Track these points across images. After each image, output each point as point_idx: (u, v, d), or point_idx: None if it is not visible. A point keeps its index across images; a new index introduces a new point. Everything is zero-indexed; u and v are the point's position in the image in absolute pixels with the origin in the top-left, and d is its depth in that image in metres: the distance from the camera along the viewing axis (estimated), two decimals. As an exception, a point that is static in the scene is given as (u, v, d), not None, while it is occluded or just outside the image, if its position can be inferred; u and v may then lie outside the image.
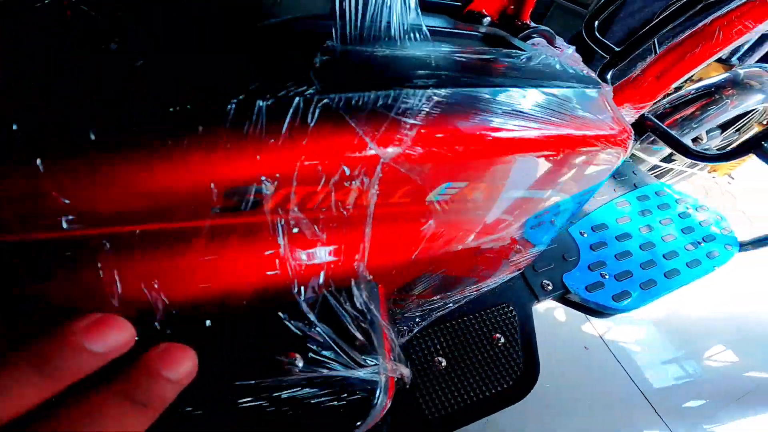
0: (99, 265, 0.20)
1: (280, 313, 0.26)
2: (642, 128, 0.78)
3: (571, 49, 0.39)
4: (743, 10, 0.51)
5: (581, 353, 1.03)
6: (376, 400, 0.27)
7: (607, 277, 0.60)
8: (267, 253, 0.24)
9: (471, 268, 0.41)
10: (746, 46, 1.13)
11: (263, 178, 0.21)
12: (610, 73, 0.61)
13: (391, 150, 0.22)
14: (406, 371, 0.31)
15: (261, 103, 0.20)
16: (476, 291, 0.44)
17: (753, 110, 1.05)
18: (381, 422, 0.30)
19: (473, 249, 0.37)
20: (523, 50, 0.33)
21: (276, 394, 0.25)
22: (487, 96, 0.26)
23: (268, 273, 0.25)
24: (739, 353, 1.13)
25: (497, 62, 0.31)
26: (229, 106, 0.20)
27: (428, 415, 0.45)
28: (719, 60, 1.09)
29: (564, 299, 0.58)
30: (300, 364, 0.25)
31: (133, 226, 0.20)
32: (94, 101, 0.19)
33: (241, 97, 0.20)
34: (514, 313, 0.51)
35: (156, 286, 0.22)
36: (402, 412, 0.44)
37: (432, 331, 0.49)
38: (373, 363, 0.27)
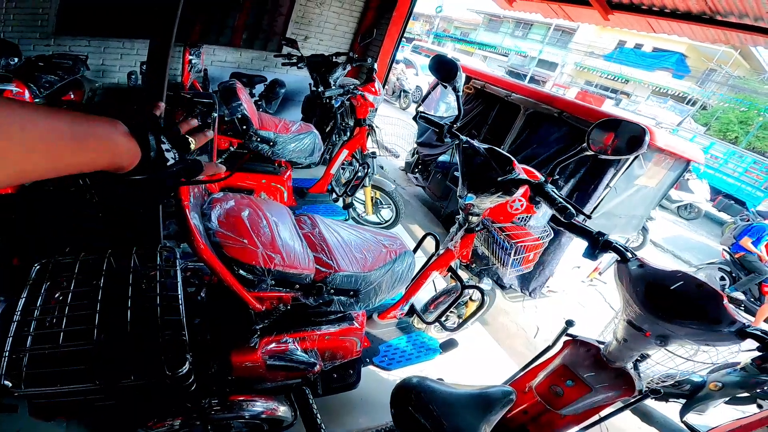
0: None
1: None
2: (411, 312, 2.28)
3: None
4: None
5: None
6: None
7: (386, 359, 2.03)
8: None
9: (345, 354, 1.83)
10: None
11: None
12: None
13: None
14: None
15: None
16: (344, 360, 1.84)
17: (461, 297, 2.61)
18: None
19: (346, 350, 1.78)
20: (343, 311, 1.80)
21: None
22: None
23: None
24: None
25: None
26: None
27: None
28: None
29: (372, 364, 1.99)
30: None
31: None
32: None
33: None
34: (356, 365, 1.92)
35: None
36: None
37: (335, 368, 1.88)
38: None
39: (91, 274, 1.43)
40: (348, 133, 3.84)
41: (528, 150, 4.19)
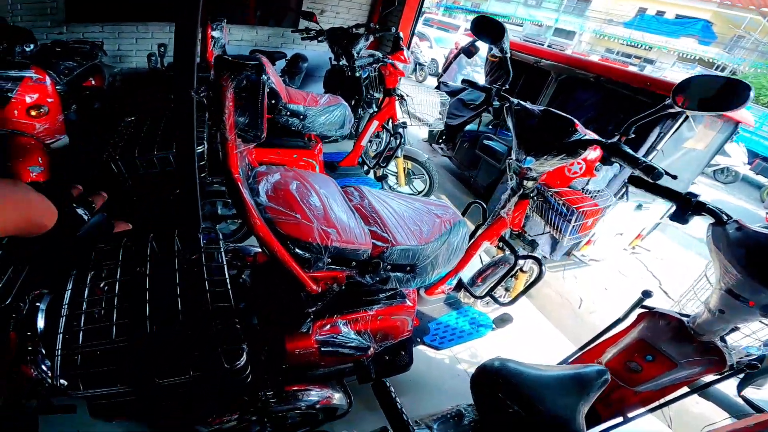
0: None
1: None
2: (459, 286, 2.17)
3: None
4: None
5: (456, 377, 2.34)
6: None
7: (437, 338, 1.94)
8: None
9: (397, 334, 1.74)
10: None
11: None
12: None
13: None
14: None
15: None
16: (395, 341, 1.76)
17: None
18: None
19: (398, 330, 1.69)
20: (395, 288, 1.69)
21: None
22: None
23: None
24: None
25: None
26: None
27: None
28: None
29: (423, 343, 1.90)
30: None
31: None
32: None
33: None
34: (407, 346, 1.83)
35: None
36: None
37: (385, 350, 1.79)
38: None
39: (134, 261, 1.35)
40: (374, 106, 3.71)
41: None
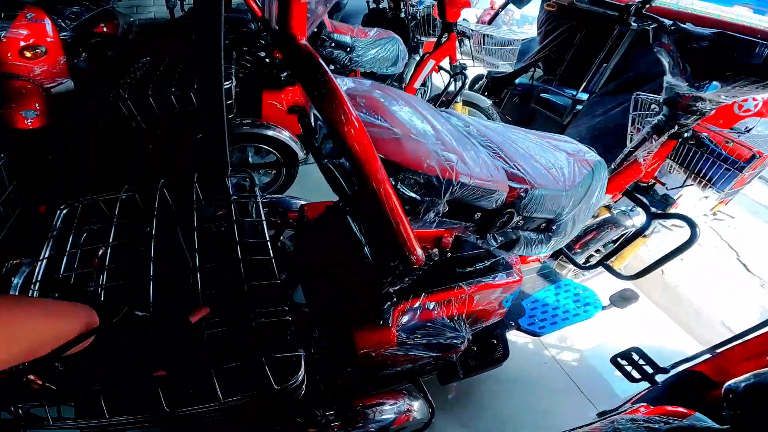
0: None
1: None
2: (557, 253, 1.70)
3: None
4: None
5: (543, 365, 1.90)
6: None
7: (535, 321, 1.49)
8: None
9: (488, 317, 1.29)
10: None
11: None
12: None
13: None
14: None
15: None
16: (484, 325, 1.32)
17: (625, 232, 1.97)
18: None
19: (490, 312, 1.25)
20: (495, 256, 1.24)
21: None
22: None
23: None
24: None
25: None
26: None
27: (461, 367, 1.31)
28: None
29: (518, 329, 1.46)
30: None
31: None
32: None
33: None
34: (499, 333, 1.39)
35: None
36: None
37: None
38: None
39: (140, 219, 0.95)
40: (420, 51, 3.22)
41: (631, 73, 3.39)
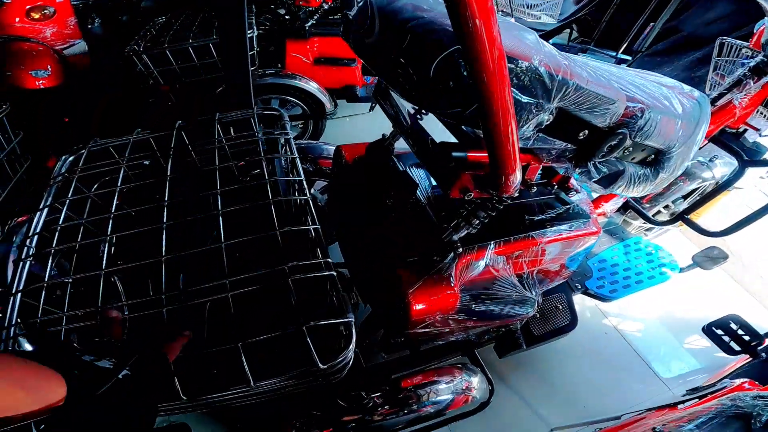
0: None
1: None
2: (625, 207, 1.48)
3: (582, 194, 1.10)
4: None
5: (603, 335, 1.71)
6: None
7: (605, 283, 1.30)
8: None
9: (553, 278, 1.11)
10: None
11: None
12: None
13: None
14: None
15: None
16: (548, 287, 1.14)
17: (700, 185, 1.73)
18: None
19: (555, 272, 1.06)
20: (567, 203, 1.04)
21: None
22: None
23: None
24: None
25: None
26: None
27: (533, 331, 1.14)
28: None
29: (586, 293, 1.28)
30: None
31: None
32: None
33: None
34: (564, 297, 1.21)
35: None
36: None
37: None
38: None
39: (154, 162, 0.80)
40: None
41: (682, 35, 3.08)
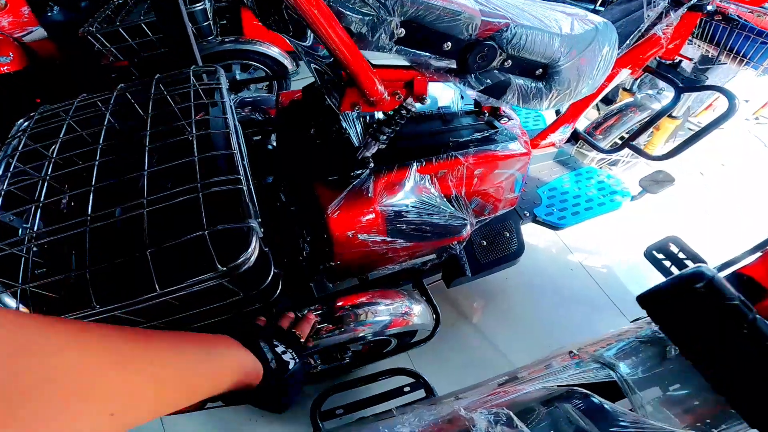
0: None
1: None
2: (576, 137, 1.52)
3: (514, 120, 1.14)
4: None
5: (569, 272, 1.77)
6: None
7: (554, 210, 1.35)
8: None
9: (496, 204, 1.15)
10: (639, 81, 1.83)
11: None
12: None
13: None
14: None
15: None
16: (493, 215, 1.19)
17: (647, 116, 1.75)
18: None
19: (496, 197, 1.11)
20: (497, 128, 1.08)
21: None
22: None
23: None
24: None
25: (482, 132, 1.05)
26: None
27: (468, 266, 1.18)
28: (624, 89, 1.82)
29: (535, 220, 1.33)
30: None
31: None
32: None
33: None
34: (512, 225, 1.26)
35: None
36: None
37: (479, 230, 1.23)
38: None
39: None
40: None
41: None
